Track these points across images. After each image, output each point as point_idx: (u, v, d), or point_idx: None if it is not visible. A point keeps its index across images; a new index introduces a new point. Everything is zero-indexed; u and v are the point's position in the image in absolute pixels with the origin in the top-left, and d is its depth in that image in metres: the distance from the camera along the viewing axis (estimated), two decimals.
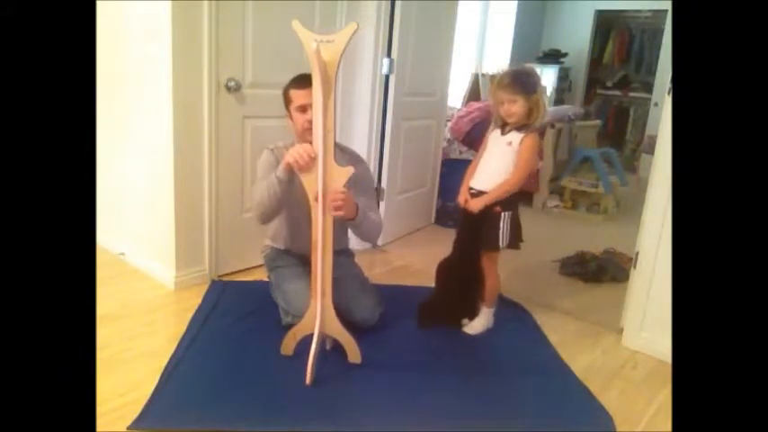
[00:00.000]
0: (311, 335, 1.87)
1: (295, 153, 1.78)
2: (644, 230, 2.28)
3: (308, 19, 2.67)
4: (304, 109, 2.01)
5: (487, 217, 2.11)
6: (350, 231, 2.20)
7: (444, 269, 2.28)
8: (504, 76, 2.08)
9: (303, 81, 1.97)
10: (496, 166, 2.12)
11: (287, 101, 2.08)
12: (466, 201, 2.15)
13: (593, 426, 1.76)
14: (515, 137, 2.07)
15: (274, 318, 2.18)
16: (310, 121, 1.98)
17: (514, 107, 2.04)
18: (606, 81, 7.35)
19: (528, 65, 2.26)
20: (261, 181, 2.05)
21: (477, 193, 2.13)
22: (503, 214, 2.11)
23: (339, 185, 1.80)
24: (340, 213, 1.82)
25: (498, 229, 2.11)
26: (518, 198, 2.18)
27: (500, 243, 2.13)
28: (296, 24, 1.72)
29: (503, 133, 2.11)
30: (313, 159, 1.76)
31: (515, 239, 2.16)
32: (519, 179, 2.09)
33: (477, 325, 2.28)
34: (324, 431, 1.64)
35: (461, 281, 2.25)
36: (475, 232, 2.15)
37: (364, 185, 2.16)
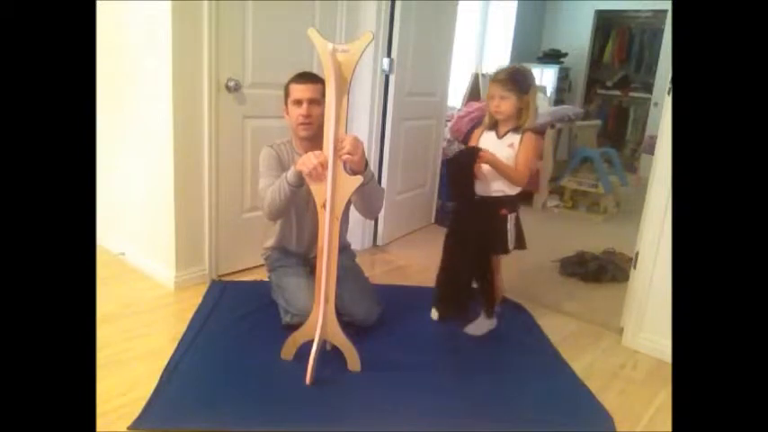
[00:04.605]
0: (311, 340, 1.87)
1: (308, 162, 1.77)
2: (644, 230, 2.28)
3: (307, 19, 2.68)
4: (299, 103, 2.03)
5: (494, 221, 2.10)
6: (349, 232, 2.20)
7: (446, 278, 2.28)
8: (500, 71, 2.09)
9: (304, 76, 2.06)
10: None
11: (285, 94, 2.10)
12: (480, 155, 2.03)
13: (593, 426, 1.76)
14: (515, 138, 2.06)
15: (274, 318, 2.18)
16: (304, 115, 2.02)
17: (504, 104, 2.03)
18: (606, 81, 7.35)
19: (526, 66, 2.24)
20: (268, 179, 2.04)
21: (481, 200, 2.11)
22: (509, 216, 2.11)
23: (347, 194, 1.80)
24: (350, 158, 1.74)
25: (506, 232, 2.11)
26: (519, 199, 2.18)
27: (509, 246, 2.13)
28: (312, 32, 1.72)
29: (499, 136, 2.10)
30: (325, 168, 1.76)
31: (522, 240, 2.17)
32: (523, 172, 2.06)
33: (480, 326, 2.28)
34: (324, 431, 1.65)
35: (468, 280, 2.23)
36: (481, 237, 2.14)
37: None
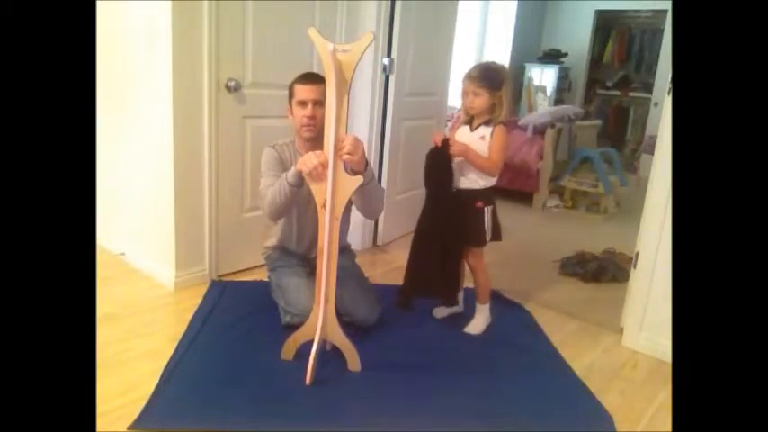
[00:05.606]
0: (311, 340, 1.87)
1: (308, 162, 1.77)
2: (644, 230, 2.28)
3: (307, 19, 2.68)
4: (304, 104, 2.03)
5: (471, 213, 2.15)
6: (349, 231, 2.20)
7: (420, 242, 2.27)
8: (474, 68, 2.14)
9: (308, 77, 2.06)
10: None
11: (290, 95, 2.10)
12: (449, 143, 2.07)
13: (593, 426, 1.76)
14: (486, 131, 2.11)
15: (274, 318, 2.18)
16: (308, 117, 2.03)
17: (477, 100, 2.08)
18: (606, 81, 7.35)
19: (499, 63, 2.26)
20: (269, 179, 2.04)
21: (457, 192, 2.16)
22: (485, 209, 2.15)
23: (347, 194, 1.80)
24: (351, 158, 1.74)
25: (483, 224, 2.16)
26: (494, 193, 2.21)
27: (486, 238, 2.18)
28: (312, 32, 1.72)
29: (471, 130, 2.14)
30: (325, 168, 1.76)
31: (498, 232, 2.22)
32: (496, 161, 2.10)
33: (477, 324, 2.28)
34: (324, 431, 1.65)
35: (440, 251, 2.21)
36: (458, 227, 2.17)
37: None
